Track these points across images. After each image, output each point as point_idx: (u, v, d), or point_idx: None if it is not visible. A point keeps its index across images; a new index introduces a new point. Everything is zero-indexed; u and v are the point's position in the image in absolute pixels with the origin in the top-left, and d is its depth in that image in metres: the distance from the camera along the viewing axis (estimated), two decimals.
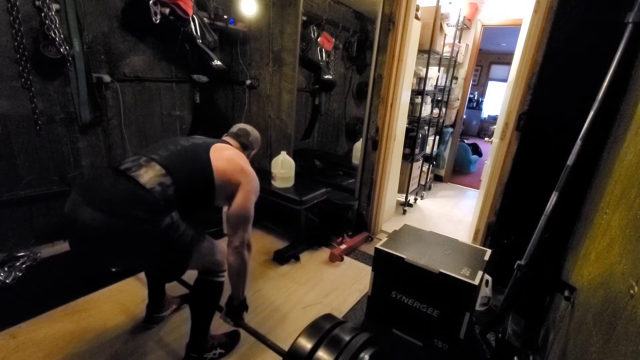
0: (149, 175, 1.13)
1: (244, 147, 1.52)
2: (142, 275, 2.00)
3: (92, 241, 1.12)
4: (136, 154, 1.26)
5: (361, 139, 2.69)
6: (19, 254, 1.98)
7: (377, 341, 1.10)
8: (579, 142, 1.41)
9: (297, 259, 2.38)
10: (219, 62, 2.56)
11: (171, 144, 1.30)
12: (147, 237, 1.11)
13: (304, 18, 2.69)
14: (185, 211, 1.22)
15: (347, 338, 1.04)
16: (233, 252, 1.30)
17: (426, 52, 3.14)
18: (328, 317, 1.16)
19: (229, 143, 1.46)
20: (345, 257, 2.47)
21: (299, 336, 1.05)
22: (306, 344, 1.03)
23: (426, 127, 3.72)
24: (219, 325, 1.69)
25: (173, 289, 1.76)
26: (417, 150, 3.48)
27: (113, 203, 1.09)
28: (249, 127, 1.58)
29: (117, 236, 1.09)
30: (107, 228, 1.06)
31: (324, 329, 1.07)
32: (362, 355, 1.01)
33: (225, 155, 1.32)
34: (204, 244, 1.32)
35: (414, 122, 3.38)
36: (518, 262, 1.53)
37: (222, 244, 1.42)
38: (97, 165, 2.33)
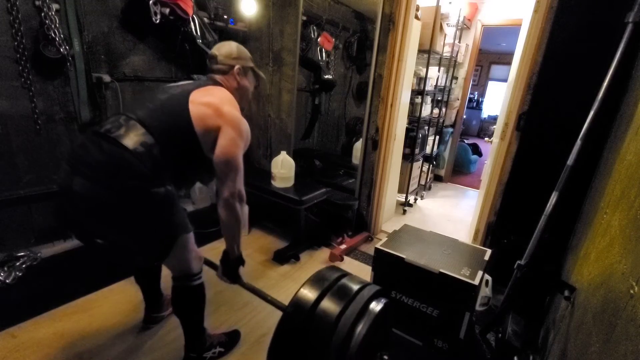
0: (130, 135, 1.10)
1: (224, 72, 1.34)
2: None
3: (86, 210, 1.12)
4: (115, 114, 1.23)
5: (361, 139, 2.69)
6: (19, 254, 1.98)
7: (387, 295, 1.00)
8: (579, 142, 1.41)
9: (297, 258, 2.38)
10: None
11: (149, 100, 1.22)
12: (140, 205, 1.10)
13: (304, 18, 2.69)
14: (180, 171, 1.18)
15: (355, 288, 0.93)
16: (223, 205, 1.19)
17: (426, 52, 3.14)
18: (333, 268, 1.06)
19: (214, 80, 1.33)
20: (345, 257, 2.46)
21: (301, 287, 0.94)
22: (309, 295, 0.90)
23: (426, 127, 3.72)
24: (219, 325, 1.69)
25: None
26: (417, 150, 3.48)
27: (101, 171, 1.07)
28: (217, 46, 1.37)
29: (110, 205, 1.08)
30: (100, 197, 1.07)
31: (329, 279, 0.96)
32: (372, 305, 0.91)
33: (203, 100, 1.19)
34: (189, 237, 1.26)
35: (414, 122, 3.38)
36: (518, 262, 1.53)
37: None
38: None
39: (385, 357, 0.96)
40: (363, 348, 0.82)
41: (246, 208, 1.28)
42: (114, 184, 1.07)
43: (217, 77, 1.34)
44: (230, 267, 1.32)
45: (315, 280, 0.95)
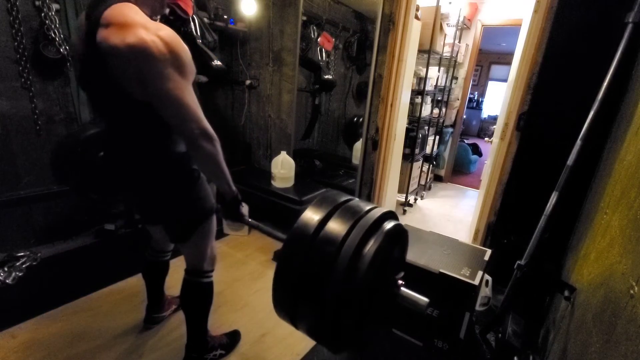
0: (126, 141, 1.15)
1: None
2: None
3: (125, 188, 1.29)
4: (97, 123, 1.26)
5: (361, 139, 2.69)
6: (19, 254, 1.98)
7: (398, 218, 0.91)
8: (579, 142, 1.41)
9: None
10: (218, 62, 2.56)
11: (90, 92, 1.15)
12: (176, 179, 1.18)
13: (304, 18, 2.69)
14: (158, 132, 1.10)
15: (365, 208, 0.84)
16: (188, 147, 1.04)
17: (426, 52, 3.14)
18: (338, 192, 0.96)
19: None
20: None
21: (305, 210, 0.84)
22: (314, 216, 0.80)
23: (426, 127, 3.72)
24: (219, 325, 1.70)
25: (173, 289, 1.76)
26: (417, 150, 3.48)
27: (140, 181, 1.18)
28: None
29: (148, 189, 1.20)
30: (142, 190, 1.22)
31: (336, 201, 0.85)
32: (384, 224, 0.82)
33: (108, 45, 0.90)
34: (212, 226, 1.31)
35: (414, 122, 3.39)
36: (518, 262, 1.53)
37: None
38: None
39: (400, 281, 0.91)
40: (373, 269, 0.76)
41: (217, 144, 1.06)
42: (152, 181, 1.18)
43: None
44: (229, 207, 1.21)
45: (320, 201, 0.85)
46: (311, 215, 0.81)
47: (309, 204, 0.85)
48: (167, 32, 0.92)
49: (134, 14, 0.93)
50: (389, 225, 0.81)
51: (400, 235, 0.89)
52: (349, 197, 0.91)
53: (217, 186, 1.18)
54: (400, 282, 0.91)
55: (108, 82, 0.96)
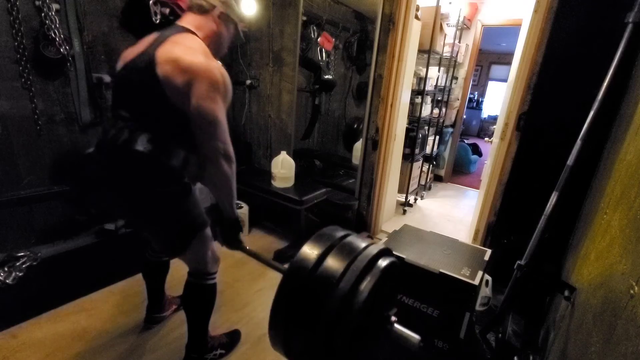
0: (133, 137, 1.08)
1: (203, 9, 1.18)
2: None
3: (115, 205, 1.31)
4: (112, 116, 1.21)
5: (361, 139, 2.69)
6: (19, 254, 1.98)
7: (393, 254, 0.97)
8: (579, 142, 1.41)
9: None
10: (219, 62, 2.56)
11: (127, 86, 1.16)
12: (163, 202, 1.17)
13: (304, 18, 2.69)
14: (183, 152, 1.14)
15: (361, 245, 0.89)
16: (207, 162, 1.11)
17: (426, 52, 3.14)
18: (336, 227, 0.98)
19: (183, 27, 1.16)
20: None
21: (304, 245, 0.88)
22: (312, 252, 0.85)
23: (426, 127, 3.72)
24: (219, 325, 1.70)
25: (173, 289, 1.76)
26: (417, 150, 3.48)
27: (122, 180, 1.16)
28: None
29: (136, 203, 1.20)
30: (137, 201, 1.19)
31: (333, 237, 0.90)
32: (379, 262, 0.86)
33: (169, 57, 1.05)
34: (207, 233, 1.31)
35: (414, 122, 3.39)
36: (518, 262, 1.53)
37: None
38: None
39: (393, 317, 0.94)
40: (368, 305, 0.78)
41: (234, 166, 1.15)
42: (144, 188, 1.14)
43: (190, 17, 1.18)
44: (228, 231, 1.25)
45: (318, 238, 0.90)
46: (309, 252, 0.86)
47: (307, 240, 0.91)
48: (223, 69, 1.12)
49: (204, 47, 1.13)
50: (383, 263, 0.86)
51: (394, 272, 0.93)
52: (346, 232, 0.95)
53: (220, 206, 1.23)
54: (393, 318, 0.93)
55: (155, 98, 1.07)
